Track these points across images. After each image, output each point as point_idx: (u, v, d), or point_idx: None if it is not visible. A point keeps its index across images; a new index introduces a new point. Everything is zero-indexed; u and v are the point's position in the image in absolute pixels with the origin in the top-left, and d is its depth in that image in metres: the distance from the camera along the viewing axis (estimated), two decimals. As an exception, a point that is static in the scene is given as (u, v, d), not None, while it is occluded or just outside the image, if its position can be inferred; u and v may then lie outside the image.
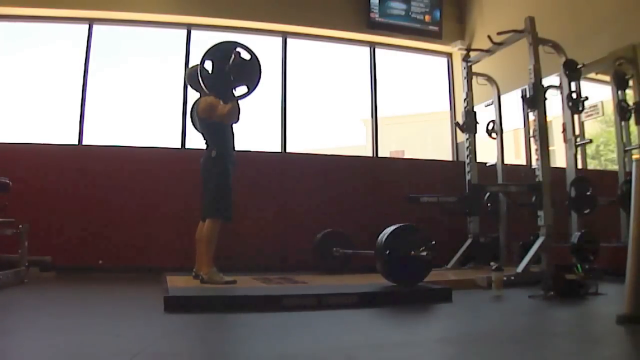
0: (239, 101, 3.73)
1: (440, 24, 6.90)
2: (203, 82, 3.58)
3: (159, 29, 6.17)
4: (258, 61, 3.67)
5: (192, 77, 3.93)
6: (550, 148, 4.75)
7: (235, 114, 3.76)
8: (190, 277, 3.88)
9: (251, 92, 3.65)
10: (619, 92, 5.32)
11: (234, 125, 3.95)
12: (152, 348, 2.03)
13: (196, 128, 4.12)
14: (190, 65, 4.31)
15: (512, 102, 5.82)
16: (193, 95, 4.33)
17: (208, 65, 3.56)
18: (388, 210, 5.52)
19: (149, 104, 6.20)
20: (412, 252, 3.46)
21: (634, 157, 5.18)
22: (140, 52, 6.56)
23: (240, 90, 3.64)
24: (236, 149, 3.99)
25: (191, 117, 4.16)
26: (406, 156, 10.54)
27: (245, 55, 3.63)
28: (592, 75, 5.92)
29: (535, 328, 2.68)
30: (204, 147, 3.97)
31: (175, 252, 4.78)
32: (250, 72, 3.63)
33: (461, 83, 5.68)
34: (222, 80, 3.57)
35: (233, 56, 3.54)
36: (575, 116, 4.97)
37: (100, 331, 2.33)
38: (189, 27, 5.96)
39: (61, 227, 4.92)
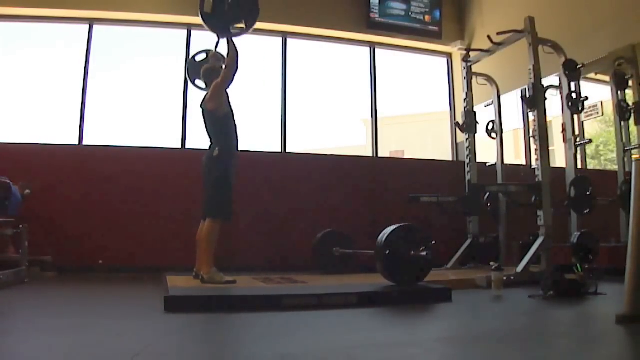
0: (237, 40, 3.85)
1: (440, 24, 6.90)
2: (202, 18, 3.70)
3: (159, 29, 6.17)
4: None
5: (193, 70, 4.00)
6: (550, 148, 4.75)
7: (234, 60, 3.81)
8: (190, 277, 3.88)
9: (249, 28, 3.81)
10: (619, 92, 5.33)
11: (237, 125, 3.99)
12: (152, 348, 2.03)
13: (192, 82, 4.30)
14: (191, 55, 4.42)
15: (512, 102, 5.82)
16: (193, 96, 4.37)
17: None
18: (388, 210, 5.52)
19: (149, 104, 6.20)
20: (412, 252, 3.46)
21: (633, 157, 5.17)
22: (140, 53, 6.56)
23: (238, 27, 3.80)
24: (239, 149, 4.01)
25: (188, 70, 4.34)
26: (406, 156, 10.54)
27: None
28: (592, 75, 5.93)
29: (535, 328, 2.68)
30: (208, 146, 3.97)
31: (175, 252, 4.77)
32: (248, 9, 3.79)
33: (461, 83, 5.69)
34: (220, 16, 3.73)
35: None
36: (575, 116, 4.98)
37: (100, 331, 2.34)
38: (189, 27, 5.95)
39: (61, 227, 4.92)
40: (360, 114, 8.79)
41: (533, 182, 4.55)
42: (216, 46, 4.10)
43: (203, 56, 4.33)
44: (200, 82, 4.24)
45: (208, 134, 3.98)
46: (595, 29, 5.35)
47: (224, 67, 3.88)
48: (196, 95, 4.26)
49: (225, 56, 3.90)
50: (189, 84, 4.44)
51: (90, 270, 4.80)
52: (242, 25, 3.81)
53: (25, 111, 5.95)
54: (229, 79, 3.87)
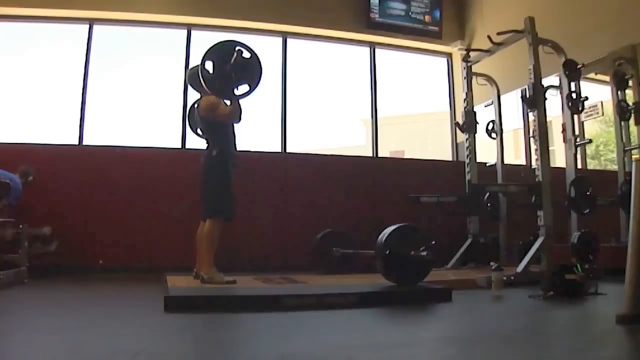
0: (240, 100, 3.72)
1: (440, 24, 6.90)
2: (204, 82, 3.58)
3: (159, 29, 6.17)
4: (258, 60, 3.68)
5: (193, 77, 3.93)
6: (550, 148, 4.75)
7: (236, 114, 3.74)
8: (190, 277, 3.88)
9: (252, 90, 3.67)
10: (619, 92, 5.33)
11: (235, 125, 3.96)
12: (152, 348, 2.03)
13: (194, 131, 4.15)
14: (191, 66, 4.31)
15: (512, 102, 5.82)
16: (193, 95, 4.36)
17: (209, 65, 3.57)
18: (388, 210, 5.52)
19: (149, 104, 6.20)
20: (412, 252, 3.46)
21: (633, 157, 5.17)
22: (140, 52, 6.57)
23: (242, 89, 3.66)
24: (237, 149, 3.99)
25: (189, 118, 4.18)
26: (406, 156, 10.54)
27: (246, 54, 3.63)
28: (592, 75, 5.92)
29: (536, 328, 2.68)
30: (205, 146, 3.96)
31: (175, 252, 4.77)
32: (251, 71, 3.65)
33: (461, 83, 5.69)
34: (223, 79, 3.58)
35: (235, 55, 3.55)
36: (575, 116, 4.97)
37: (100, 331, 2.34)
38: (189, 27, 5.96)
39: (61, 227, 4.90)
40: (360, 114, 8.80)
41: (533, 182, 4.54)
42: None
43: None
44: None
45: (204, 135, 3.97)
46: (595, 29, 5.34)
47: (227, 109, 3.75)
48: (196, 95, 4.24)
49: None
50: (189, 86, 4.36)
51: (90, 270, 4.80)
52: (246, 88, 3.66)
53: (26, 111, 5.95)
54: (225, 122, 3.83)
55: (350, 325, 2.64)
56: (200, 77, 3.57)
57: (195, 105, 4.05)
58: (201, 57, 3.58)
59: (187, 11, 5.91)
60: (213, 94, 3.72)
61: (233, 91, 3.65)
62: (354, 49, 6.85)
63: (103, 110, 5.79)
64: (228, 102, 3.79)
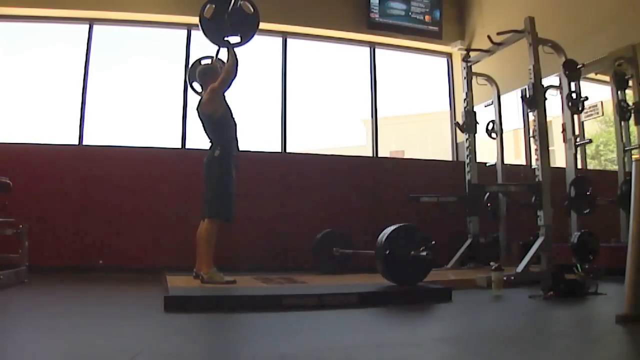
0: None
1: (440, 24, 6.90)
2: (200, 22, 3.69)
3: (159, 29, 6.17)
4: (257, 16, 3.82)
5: (193, 73, 3.99)
6: (550, 148, 4.75)
7: (234, 67, 3.79)
8: (190, 277, 3.88)
9: (244, 43, 3.78)
10: (619, 92, 5.33)
11: (236, 124, 4.00)
12: (152, 348, 2.03)
13: (190, 85, 4.30)
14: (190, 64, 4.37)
15: (512, 102, 5.82)
16: (193, 96, 4.38)
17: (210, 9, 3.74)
18: (388, 210, 5.52)
19: (149, 104, 6.20)
20: (412, 252, 3.46)
21: (633, 157, 5.17)
22: (140, 52, 6.56)
23: (233, 39, 3.78)
24: (239, 149, 4.01)
25: (189, 75, 4.33)
26: (406, 156, 10.54)
27: (248, 9, 3.75)
28: (592, 75, 5.93)
29: (535, 328, 2.68)
30: (208, 146, 3.97)
31: (175, 252, 4.77)
32: (247, 25, 3.78)
33: (461, 83, 5.69)
34: (218, 24, 3.71)
35: (233, 2, 3.67)
36: (575, 116, 4.98)
37: (100, 331, 2.34)
38: (189, 27, 5.95)
39: (61, 227, 4.92)
40: (360, 114, 8.79)
41: (533, 182, 4.55)
42: (217, 54, 4.06)
43: (208, 61, 4.27)
44: (197, 85, 4.22)
45: (207, 135, 3.98)
46: (595, 29, 5.35)
47: (222, 71, 3.87)
48: (196, 95, 4.26)
49: (225, 62, 3.89)
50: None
51: (90, 270, 4.80)
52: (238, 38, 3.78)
53: (26, 111, 5.95)
54: (226, 85, 3.86)
55: (350, 325, 2.64)
56: (199, 20, 3.69)
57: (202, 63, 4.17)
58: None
59: (187, 11, 5.89)
60: (204, 34, 3.77)
61: (223, 39, 3.78)
62: (354, 49, 6.85)
63: (103, 110, 5.79)
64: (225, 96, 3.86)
